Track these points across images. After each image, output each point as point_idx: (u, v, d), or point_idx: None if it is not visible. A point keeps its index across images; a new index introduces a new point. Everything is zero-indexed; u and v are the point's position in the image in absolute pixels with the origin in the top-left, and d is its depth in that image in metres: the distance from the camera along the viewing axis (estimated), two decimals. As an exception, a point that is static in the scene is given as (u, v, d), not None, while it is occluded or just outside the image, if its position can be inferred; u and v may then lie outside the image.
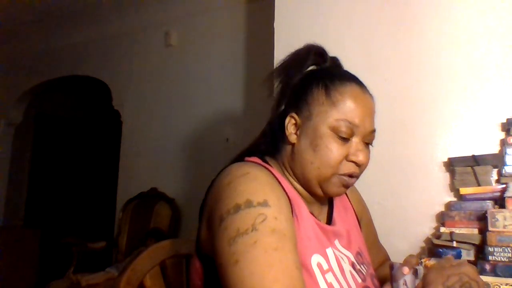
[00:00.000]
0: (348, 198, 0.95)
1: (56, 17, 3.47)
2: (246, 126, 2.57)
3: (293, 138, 0.78)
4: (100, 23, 3.48)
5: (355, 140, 0.76)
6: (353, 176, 0.77)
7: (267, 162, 0.80)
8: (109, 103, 3.43)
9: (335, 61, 0.87)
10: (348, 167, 0.75)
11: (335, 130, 0.74)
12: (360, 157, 0.75)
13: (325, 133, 0.74)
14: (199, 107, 2.94)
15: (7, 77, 4.02)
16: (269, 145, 0.83)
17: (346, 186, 0.78)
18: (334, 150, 0.74)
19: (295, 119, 0.78)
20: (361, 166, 0.76)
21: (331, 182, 0.76)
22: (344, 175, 0.76)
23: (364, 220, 0.98)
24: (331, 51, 0.89)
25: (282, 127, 0.80)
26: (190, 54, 3.05)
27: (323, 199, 0.84)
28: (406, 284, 0.65)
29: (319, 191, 0.78)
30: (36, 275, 3.73)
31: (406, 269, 0.66)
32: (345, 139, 0.74)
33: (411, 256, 0.70)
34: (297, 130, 0.78)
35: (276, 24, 1.71)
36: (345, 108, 0.75)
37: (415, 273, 0.66)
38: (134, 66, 3.33)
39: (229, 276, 0.60)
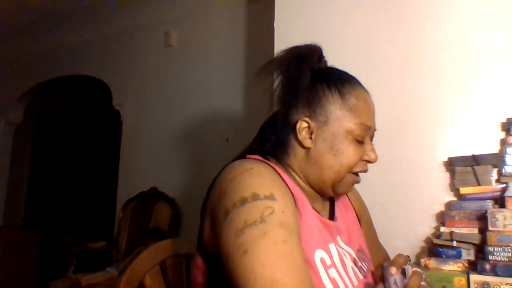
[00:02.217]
0: (348, 197, 0.96)
1: (55, 17, 3.47)
2: (246, 126, 2.57)
3: (308, 142, 0.78)
4: (100, 23, 3.48)
5: (366, 141, 0.79)
6: (363, 173, 0.81)
7: (268, 160, 0.80)
8: (109, 103, 3.43)
9: (325, 61, 0.87)
10: (361, 166, 0.79)
11: (352, 134, 0.77)
12: (373, 156, 0.79)
13: (345, 138, 0.77)
14: (199, 107, 2.94)
15: (7, 77, 4.02)
16: (274, 146, 0.83)
17: (353, 184, 0.82)
18: (354, 153, 0.77)
19: (308, 123, 0.78)
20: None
21: (343, 182, 0.79)
22: (356, 173, 0.79)
23: (363, 219, 0.99)
24: (331, 51, 0.89)
25: (289, 129, 0.80)
26: (190, 54, 3.05)
27: (325, 197, 0.85)
28: (396, 284, 0.66)
29: (330, 192, 0.80)
30: (36, 275, 3.73)
31: (393, 269, 0.67)
32: (361, 142, 0.78)
33: (399, 255, 0.70)
34: (311, 135, 0.78)
35: (276, 24, 1.71)
36: (360, 112, 0.77)
37: (403, 272, 0.67)
38: (134, 66, 3.33)
39: (238, 266, 0.60)
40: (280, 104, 0.81)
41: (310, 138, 0.78)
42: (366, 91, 0.81)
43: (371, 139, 0.82)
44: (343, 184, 0.79)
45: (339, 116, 0.77)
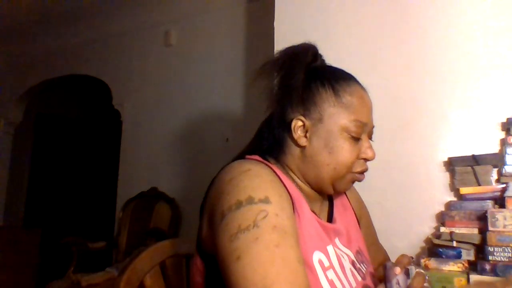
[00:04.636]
0: (347, 197, 0.95)
1: (56, 17, 3.47)
2: (246, 126, 2.56)
3: (303, 141, 0.78)
4: (100, 23, 3.48)
5: (363, 138, 0.79)
6: (364, 172, 0.80)
7: (267, 160, 0.80)
8: (109, 103, 3.43)
9: (322, 59, 0.87)
10: (361, 165, 0.79)
11: (348, 131, 0.76)
12: (370, 154, 0.78)
13: (339, 135, 0.76)
14: (199, 107, 2.94)
15: (7, 77, 4.02)
16: (271, 146, 0.83)
17: (354, 182, 0.81)
18: (349, 150, 0.76)
19: (303, 122, 0.78)
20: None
21: (344, 180, 0.78)
22: (357, 172, 0.79)
23: (363, 220, 0.98)
24: (332, 51, 0.89)
25: (285, 129, 0.80)
26: (190, 54, 3.05)
27: (324, 197, 0.85)
28: (399, 284, 0.65)
29: (330, 190, 0.80)
30: (36, 275, 3.72)
31: (397, 269, 0.66)
32: (357, 139, 0.77)
33: (403, 256, 0.70)
34: (306, 133, 0.78)
35: (276, 24, 1.71)
36: (355, 109, 0.77)
37: (407, 273, 0.67)
38: (134, 65, 3.33)
39: (231, 272, 0.60)
40: (276, 104, 0.81)
41: (305, 136, 0.78)
42: (362, 88, 0.80)
43: (370, 137, 0.81)
44: (343, 182, 0.79)
45: (333, 113, 0.76)
